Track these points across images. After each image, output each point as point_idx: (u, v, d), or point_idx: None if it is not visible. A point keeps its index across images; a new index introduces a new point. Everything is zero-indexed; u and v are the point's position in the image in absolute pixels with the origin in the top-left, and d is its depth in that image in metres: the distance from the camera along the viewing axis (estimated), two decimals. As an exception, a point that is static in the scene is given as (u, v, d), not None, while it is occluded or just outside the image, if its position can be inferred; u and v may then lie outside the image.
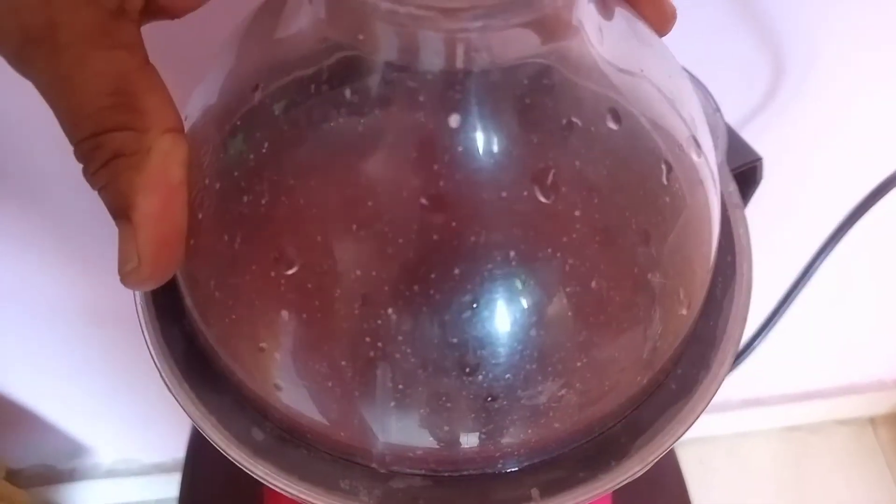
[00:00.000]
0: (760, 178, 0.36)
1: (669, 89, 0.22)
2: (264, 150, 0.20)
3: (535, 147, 0.18)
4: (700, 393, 0.24)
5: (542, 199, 0.18)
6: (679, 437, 0.24)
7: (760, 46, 0.46)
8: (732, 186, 0.29)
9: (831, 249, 0.45)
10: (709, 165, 0.23)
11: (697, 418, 0.24)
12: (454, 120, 0.18)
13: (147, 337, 0.25)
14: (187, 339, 0.25)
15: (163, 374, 0.24)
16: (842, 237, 0.44)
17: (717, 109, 0.34)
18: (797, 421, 1.06)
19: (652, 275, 0.20)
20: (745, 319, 0.26)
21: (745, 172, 0.35)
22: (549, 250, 0.19)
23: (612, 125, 0.19)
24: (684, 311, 0.22)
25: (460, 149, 0.18)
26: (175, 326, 0.25)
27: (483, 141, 0.18)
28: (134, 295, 0.26)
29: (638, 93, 0.20)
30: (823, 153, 0.58)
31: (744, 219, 0.27)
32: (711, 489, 0.98)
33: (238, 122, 0.21)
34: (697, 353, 0.25)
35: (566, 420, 0.21)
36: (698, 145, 0.22)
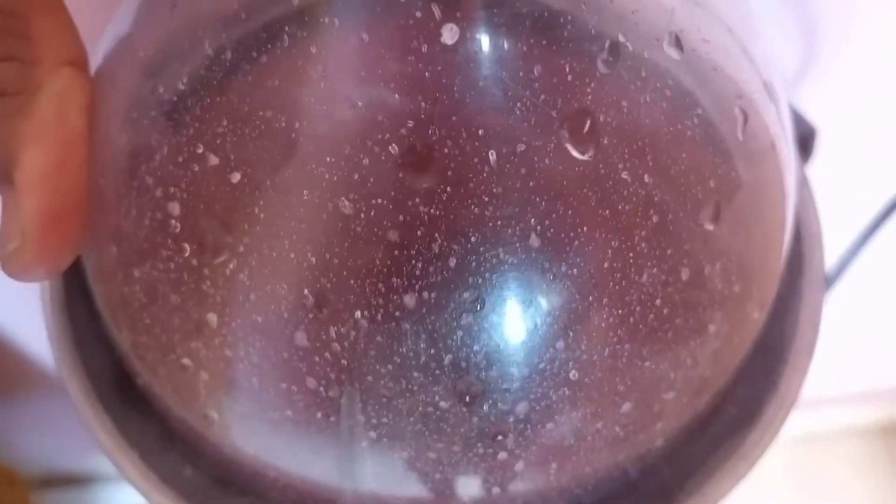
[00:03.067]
0: (811, 153, 0.30)
1: (739, 24, 0.16)
2: (187, 89, 0.14)
3: (566, 78, 0.13)
4: (765, 420, 0.19)
5: (577, 155, 0.13)
6: (741, 480, 0.18)
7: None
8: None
9: (855, 255, 0.41)
10: (782, 122, 0.17)
11: (762, 455, 0.19)
12: (449, 32, 0.12)
13: (53, 343, 0.19)
14: (107, 349, 0.19)
15: (71, 392, 0.19)
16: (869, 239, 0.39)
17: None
18: (811, 429, 1.01)
19: (721, 263, 0.15)
20: (818, 325, 0.20)
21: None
22: (585, 228, 0.13)
23: (673, 53, 0.14)
24: (756, 314, 0.17)
25: (458, 79, 0.12)
26: (92, 331, 0.20)
27: (491, 67, 0.12)
28: (41, 289, 0.20)
29: (704, 21, 0.15)
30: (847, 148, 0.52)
31: (812, 197, 0.22)
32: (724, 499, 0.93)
33: (162, 56, 0.15)
34: (761, 368, 0.19)
35: (598, 461, 0.16)
36: (773, 96, 0.17)
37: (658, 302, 0.14)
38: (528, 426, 0.14)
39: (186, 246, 0.14)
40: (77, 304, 0.20)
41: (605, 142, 0.13)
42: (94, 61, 0.16)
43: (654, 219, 0.13)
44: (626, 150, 0.13)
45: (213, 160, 0.13)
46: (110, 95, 0.15)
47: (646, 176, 0.13)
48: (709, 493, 0.17)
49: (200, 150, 0.14)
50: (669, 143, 0.14)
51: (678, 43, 0.14)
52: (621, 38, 0.13)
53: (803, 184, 0.22)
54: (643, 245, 0.13)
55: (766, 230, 0.17)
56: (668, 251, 0.14)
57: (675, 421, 0.16)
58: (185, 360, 0.15)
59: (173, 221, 0.14)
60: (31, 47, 0.14)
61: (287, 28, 0.13)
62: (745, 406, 0.19)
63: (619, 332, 0.14)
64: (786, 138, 0.17)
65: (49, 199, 0.14)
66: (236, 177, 0.13)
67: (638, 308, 0.14)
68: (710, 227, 0.14)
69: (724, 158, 0.15)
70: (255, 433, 0.15)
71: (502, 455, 0.15)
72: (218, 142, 0.13)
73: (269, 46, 0.13)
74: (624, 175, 0.13)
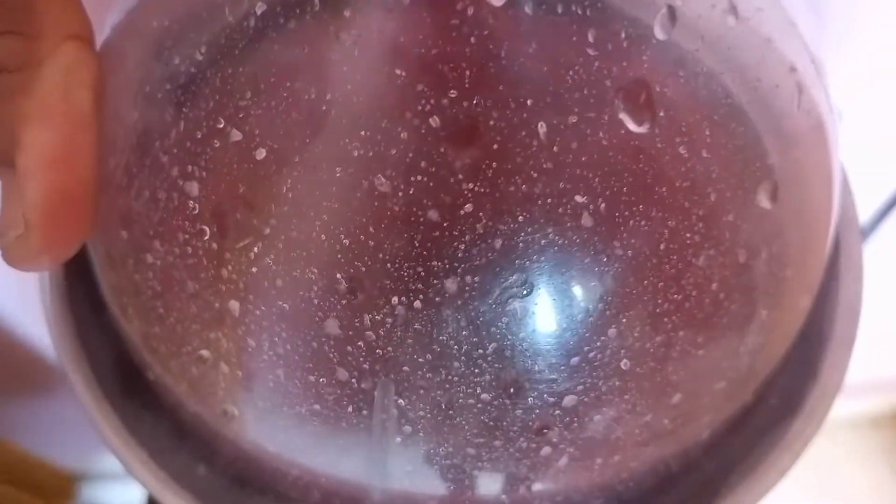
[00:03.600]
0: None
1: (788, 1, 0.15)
2: (205, 60, 0.13)
3: (621, 44, 0.12)
4: (808, 411, 0.18)
5: (632, 127, 0.12)
6: (786, 473, 0.17)
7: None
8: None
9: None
10: (829, 101, 0.17)
11: (807, 446, 0.18)
12: (500, -8, 0.11)
13: (54, 336, 0.18)
14: (112, 341, 0.18)
15: (74, 387, 0.18)
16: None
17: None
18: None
19: (777, 245, 0.14)
20: (858, 312, 0.19)
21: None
22: (641, 206, 0.12)
23: (730, 20, 0.13)
24: (804, 300, 0.16)
25: (506, 44, 0.11)
26: (96, 322, 0.18)
27: (541, 31, 0.11)
28: (40, 278, 0.19)
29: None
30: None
31: (847, 181, 0.21)
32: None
33: (178, 26, 0.14)
34: (801, 357, 0.18)
35: (643, 456, 0.15)
36: (820, 72, 0.16)
37: (714, 286, 0.13)
38: (575, 419, 0.13)
39: (206, 229, 0.13)
40: (78, 293, 0.19)
41: (662, 114, 0.12)
42: (101, 34, 0.15)
43: (713, 197, 0.13)
44: (684, 123, 0.12)
45: (236, 135, 0.12)
46: (119, 70, 0.14)
47: (703, 151, 0.12)
48: (753, 488, 0.17)
49: (221, 125, 0.13)
50: (726, 116, 0.13)
51: (734, 9, 0.13)
52: (678, 2, 0.12)
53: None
54: (700, 225, 0.13)
55: (815, 211, 0.16)
56: (726, 232, 0.13)
57: (723, 412, 0.16)
58: (204, 352, 0.14)
59: (191, 202, 0.13)
60: (33, 20, 0.13)
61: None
62: (786, 396, 0.18)
63: (673, 318, 0.13)
64: (832, 117, 0.17)
65: (53, 183, 0.13)
66: (261, 153, 0.12)
67: (694, 292, 0.13)
68: (767, 206, 0.13)
69: (779, 134, 0.14)
70: (279, 429, 0.14)
71: (546, 450, 0.14)
72: (241, 116, 0.12)
73: (298, 11, 0.12)
74: (681, 150, 0.12)
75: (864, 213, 0.40)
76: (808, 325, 0.18)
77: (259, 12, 0.12)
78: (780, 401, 0.18)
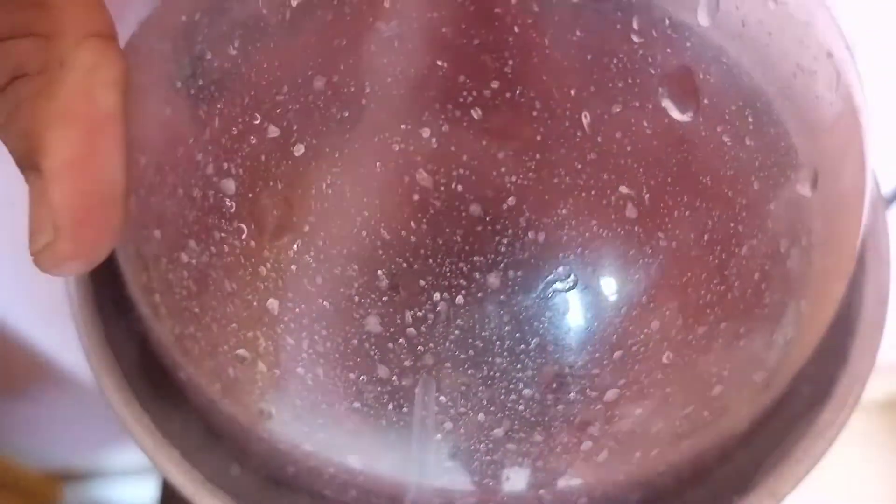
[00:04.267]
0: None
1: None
2: (239, 54, 0.13)
3: (665, 31, 0.12)
4: (839, 397, 0.18)
5: (677, 115, 0.12)
6: (819, 460, 0.17)
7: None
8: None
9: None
10: (862, 86, 0.16)
11: (839, 432, 0.18)
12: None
13: (83, 338, 0.18)
14: (139, 342, 0.18)
15: (105, 390, 0.18)
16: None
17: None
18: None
19: (816, 234, 0.14)
20: (886, 298, 0.19)
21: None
22: (685, 196, 0.12)
23: (770, 3, 0.12)
24: (840, 287, 0.16)
25: (549, 33, 0.11)
26: (122, 324, 0.18)
27: (584, 20, 0.11)
28: (66, 280, 0.19)
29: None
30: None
31: (871, 166, 0.21)
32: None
33: (208, 20, 0.14)
34: (831, 344, 0.18)
35: (682, 449, 0.15)
36: (854, 58, 0.16)
37: (756, 276, 0.13)
38: (617, 413, 0.13)
39: (243, 227, 0.13)
40: (103, 295, 0.19)
41: (706, 101, 0.12)
42: (123, 31, 0.15)
43: (756, 185, 0.12)
44: (727, 111, 0.12)
45: (273, 131, 0.12)
46: (149, 66, 0.14)
47: (747, 139, 0.12)
48: (787, 476, 0.17)
49: (258, 121, 0.12)
50: (768, 103, 0.13)
51: (774, -7, 0.13)
52: (721, -12, 0.12)
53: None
54: (744, 214, 0.12)
55: (850, 197, 0.16)
56: (769, 221, 0.13)
57: (760, 403, 0.16)
58: (241, 351, 0.14)
59: (228, 200, 0.13)
60: (51, 18, 0.13)
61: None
62: (817, 384, 0.18)
63: (716, 309, 0.13)
64: (865, 102, 0.16)
65: (80, 186, 0.13)
66: (300, 149, 0.12)
67: (737, 283, 0.13)
68: (807, 193, 0.13)
69: (817, 119, 0.14)
70: (317, 427, 0.14)
71: (587, 444, 0.14)
72: (278, 111, 0.12)
73: (335, 2, 0.12)
74: (725, 138, 0.12)
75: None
76: (837, 311, 0.18)
77: (295, 3, 0.12)
78: (812, 388, 0.18)
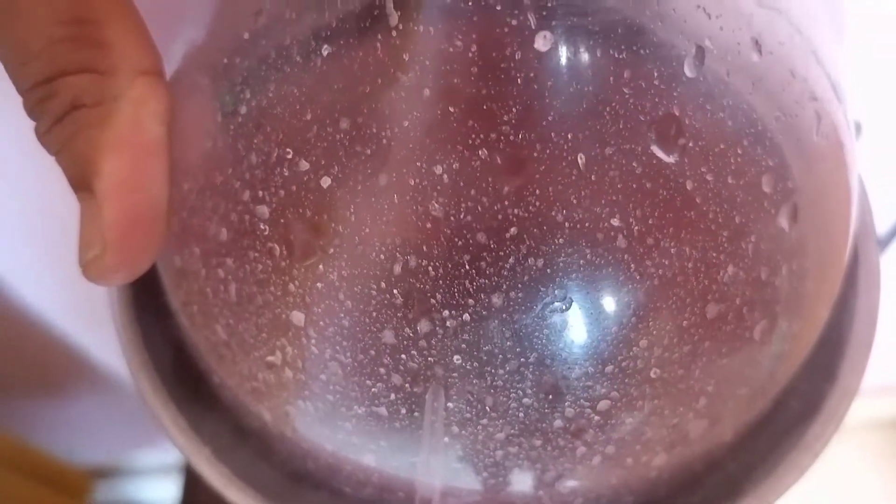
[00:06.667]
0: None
1: (807, 26, 0.17)
2: (275, 95, 0.14)
3: (654, 83, 0.13)
4: (827, 413, 0.19)
5: (663, 157, 0.13)
6: (805, 472, 0.18)
7: None
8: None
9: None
10: (847, 121, 0.18)
11: (826, 447, 0.19)
12: (543, 40, 0.12)
13: (123, 342, 0.20)
14: (175, 347, 0.20)
15: (143, 392, 0.19)
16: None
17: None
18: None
19: (797, 262, 0.15)
20: (875, 317, 0.20)
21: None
22: (671, 229, 0.13)
23: (754, 56, 0.14)
24: (824, 311, 0.17)
25: (550, 84, 0.13)
26: (160, 330, 0.20)
27: (581, 73, 0.13)
28: (109, 290, 0.21)
29: (778, 24, 0.15)
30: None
31: (864, 188, 0.22)
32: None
33: (237, 61, 0.15)
34: (821, 362, 0.19)
35: (672, 458, 0.16)
36: (839, 95, 0.17)
37: (738, 301, 0.14)
38: (609, 422, 0.15)
39: (275, 248, 0.14)
40: (144, 303, 0.20)
41: (691, 144, 0.13)
42: (166, 57, 0.16)
43: (737, 220, 0.14)
44: (710, 153, 0.13)
45: (304, 165, 0.14)
46: (191, 101, 0.16)
47: (729, 177, 0.14)
48: (774, 486, 0.18)
49: (290, 155, 0.14)
50: (750, 145, 0.14)
51: (758, 46, 0.14)
52: (707, 44, 0.13)
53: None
54: (726, 245, 0.14)
55: (833, 228, 0.17)
56: (750, 251, 0.14)
57: (745, 416, 0.17)
58: (271, 358, 0.15)
59: (261, 224, 0.14)
60: (107, 57, 0.14)
61: (379, 36, 0.13)
62: (806, 399, 0.19)
63: (700, 330, 0.14)
64: (850, 135, 0.18)
65: (128, 206, 0.15)
66: (326, 181, 0.14)
67: (720, 307, 0.14)
68: (788, 226, 0.15)
69: (800, 159, 0.15)
70: (337, 428, 0.16)
71: (581, 450, 0.15)
72: (308, 147, 0.14)
73: (361, 54, 0.13)
74: (708, 177, 0.13)
75: (883, 224, 0.40)
76: (827, 331, 0.19)
77: (325, 54, 0.14)
78: (801, 404, 0.19)
